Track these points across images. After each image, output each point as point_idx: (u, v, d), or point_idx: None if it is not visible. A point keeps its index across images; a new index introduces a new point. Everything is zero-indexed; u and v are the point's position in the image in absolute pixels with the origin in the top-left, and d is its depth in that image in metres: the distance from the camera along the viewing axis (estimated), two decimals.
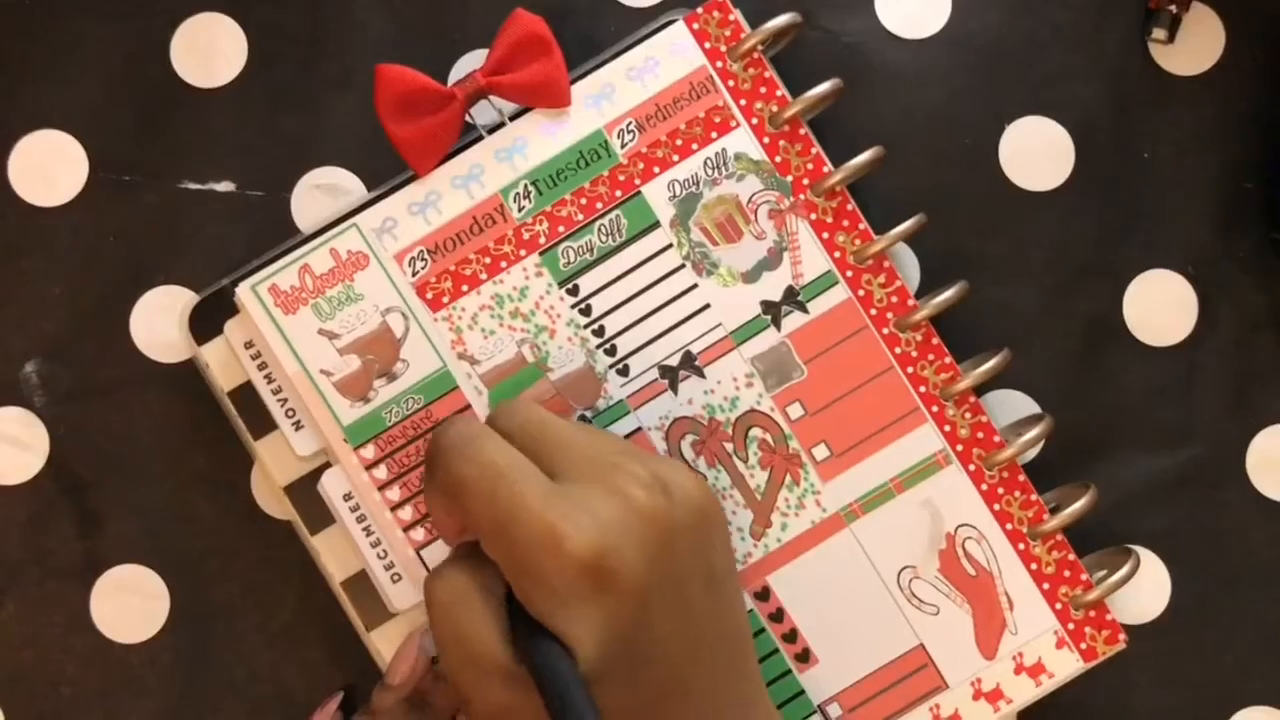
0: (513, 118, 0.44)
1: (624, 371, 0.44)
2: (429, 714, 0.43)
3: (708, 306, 0.44)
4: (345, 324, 0.44)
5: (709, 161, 0.44)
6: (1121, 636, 0.44)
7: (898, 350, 0.44)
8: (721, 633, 0.38)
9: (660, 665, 0.36)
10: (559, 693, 0.34)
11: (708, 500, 0.38)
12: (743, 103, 0.44)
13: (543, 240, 0.44)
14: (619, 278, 0.44)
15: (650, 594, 0.36)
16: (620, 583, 0.35)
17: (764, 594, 0.44)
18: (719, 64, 0.44)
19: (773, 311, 0.44)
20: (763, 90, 0.44)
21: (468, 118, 0.44)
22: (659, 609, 0.36)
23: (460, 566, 0.38)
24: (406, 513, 0.44)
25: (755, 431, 0.44)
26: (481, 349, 0.44)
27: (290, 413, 0.44)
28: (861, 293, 0.44)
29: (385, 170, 0.46)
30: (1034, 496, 0.44)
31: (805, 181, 0.44)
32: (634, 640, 0.36)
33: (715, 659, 0.38)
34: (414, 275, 0.44)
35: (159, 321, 0.47)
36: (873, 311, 0.44)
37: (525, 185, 0.44)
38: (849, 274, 0.44)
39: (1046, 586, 0.44)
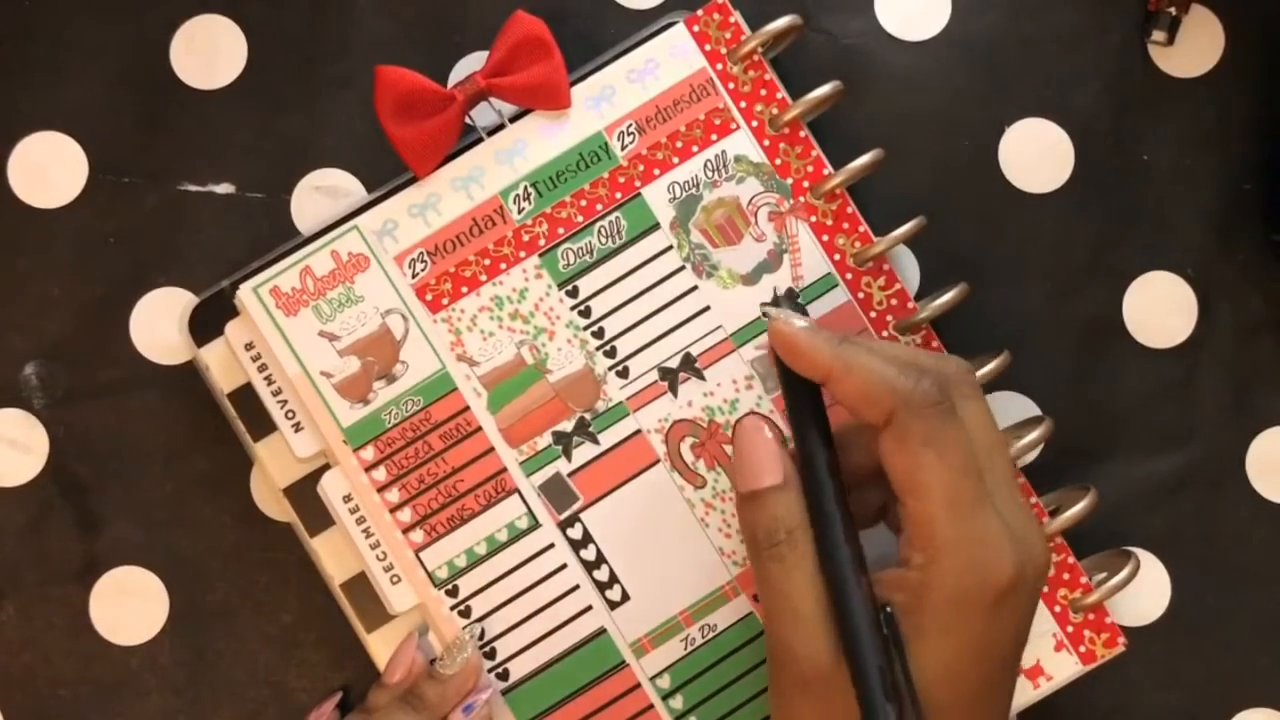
0: (513, 119, 0.44)
1: (624, 373, 0.44)
2: (423, 713, 0.43)
3: (708, 309, 0.44)
4: (345, 326, 0.44)
5: (709, 164, 0.44)
6: (1121, 640, 0.44)
7: None
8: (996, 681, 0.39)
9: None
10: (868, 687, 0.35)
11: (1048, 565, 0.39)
12: (743, 105, 0.44)
13: (542, 242, 0.44)
14: (619, 280, 0.44)
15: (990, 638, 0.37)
16: (1013, 601, 0.36)
17: None
18: (719, 66, 0.44)
19: None
20: (763, 92, 0.44)
21: (468, 119, 0.44)
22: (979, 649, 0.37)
23: (806, 545, 0.38)
24: (406, 515, 0.44)
25: None
26: (481, 351, 0.44)
27: (290, 414, 0.44)
28: (861, 295, 0.44)
29: (385, 172, 0.46)
30: (1034, 499, 0.44)
31: (805, 184, 0.44)
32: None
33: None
34: (414, 277, 0.44)
35: (159, 323, 0.47)
36: (873, 314, 0.44)
37: (525, 187, 0.44)
38: (849, 276, 0.44)
39: (1045, 589, 0.44)
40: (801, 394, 0.39)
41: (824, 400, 0.39)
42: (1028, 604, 0.37)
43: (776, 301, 0.42)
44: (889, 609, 0.36)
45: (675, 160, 0.44)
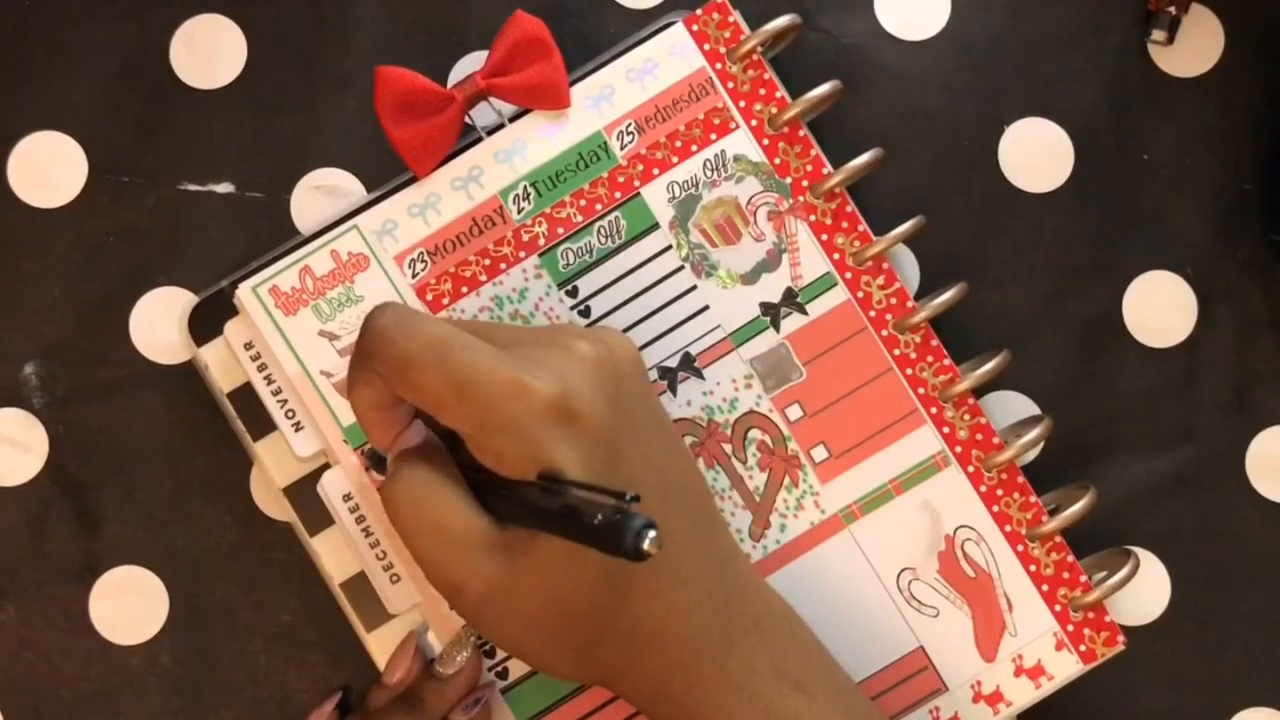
0: (512, 119, 0.44)
1: None
2: (422, 713, 0.43)
3: (707, 308, 0.44)
4: (345, 325, 0.44)
5: (708, 163, 0.44)
6: (1120, 638, 0.44)
7: (897, 352, 0.44)
8: (684, 479, 0.39)
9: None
10: (583, 510, 0.33)
11: (637, 352, 0.39)
12: (742, 104, 0.44)
13: (542, 242, 0.44)
14: (618, 279, 0.44)
15: (616, 435, 0.37)
16: (587, 422, 0.36)
17: None
18: (718, 66, 0.44)
19: (772, 313, 0.44)
20: (762, 92, 0.44)
21: (467, 119, 0.44)
22: (625, 451, 0.37)
23: (412, 463, 0.38)
24: None
25: (754, 433, 0.44)
26: None
27: (290, 414, 0.44)
28: (861, 294, 0.44)
29: (385, 172, 0.46)
30: (1033, 498, 0.44)
31: (804, 183, 0.44)
32: (609, 482, 0.36)
33: (685, 507, 0.39)
34: (414, 277, 0.44)
35: (159, 323, 0.47)
36: (872, 313, 0.44)
37: (525, 187, 0.44)
38: (848, 275, 0.44)
39: (1046, 588, 0.44)
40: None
41: None
42: (605, 392, 0.37)
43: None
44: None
45: (674, 160, 0.44)
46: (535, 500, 0.36)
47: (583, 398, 0.36)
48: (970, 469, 0.44)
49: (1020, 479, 0.44)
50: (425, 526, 0.37)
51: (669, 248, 0.44)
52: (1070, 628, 0.44)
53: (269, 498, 0.46)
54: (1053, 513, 0.44)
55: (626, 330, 0.44)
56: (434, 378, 0.36)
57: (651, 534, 0.32)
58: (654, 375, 0.44)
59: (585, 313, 0.44)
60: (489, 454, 0.37)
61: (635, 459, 0.37)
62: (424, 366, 0.36)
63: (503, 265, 0.44)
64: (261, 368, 0.44)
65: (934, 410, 0.44)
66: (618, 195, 0.44)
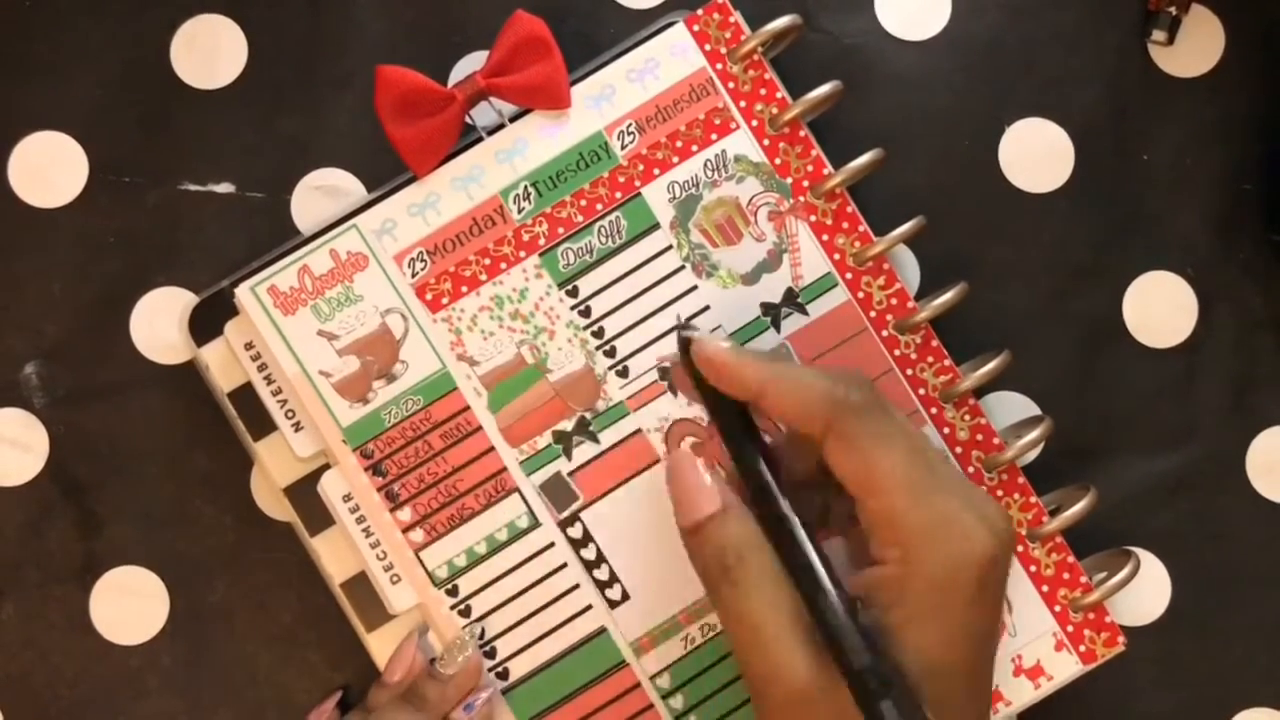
0: (513, 119, 0.44)
1: (624, 373, 0.44)
2: (424, 712, 0.43)
3: (707, 308, 0.44)
4: (344, 325, 0.44)
5: (709, 163, 0.44)
6: (1121, 639, 0.44)
7: (897, 352, 0.44)
8: (986, 666, 0.39)
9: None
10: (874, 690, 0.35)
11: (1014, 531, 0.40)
12: (743, 104, 0.44)
13: (542, 241, 0.44)
14: (619, 279, 0.44)
15: (982, 619, 0.37)
16: (992, 592, 0.37)
17: None
18: (719, 66, 0.44)
19: (772, 313, 0.44)
20: (763, 92, 0.44)
21: (468, 119, 0.44)
22: (975, 628, 0.37)
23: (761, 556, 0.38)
24: (406, 514, 0.44)
25: None
26: (481, 350, 0.44)
27: (290, 414, 0.44)
28: (861, 295, 0.44)
29: (385, 171, 0.46)
30: (1033, 499, 0.44)
31: (805, 183, 0.44)
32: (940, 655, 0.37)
33: (974, 691, 0.38)
34: (413, 276, 0.44)
35: (159, 323, 0.47)
36: (872, 313, 0.44)
37: (525, 186, 0.44)
38: (849, 276, 0.44)
39: (1046, 589, 0.44)
40: (730, 413, 0.40)
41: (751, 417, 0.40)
42: (1004, 578, 0.38)
43: (685, 324, 0.42)
44: (860, 603, 0.37)
45: (675, 160, 0.44)
46: (852, 648, 0.36)
47: (997, 568, 0.37)
48: (971, 469, 0.44)
49: (1021, 479, 0.44)
50: (747, 624, 0.37)
51: (669, 248, 0.44)
52: (1070, 628, 0.44)
53: (269, 498, 0.46)
54: (1053, 513, 0.44)
55: (626, 330, 0.44)
56: (902, 470, 0.36)
57: None
58: (654, 376, 0.44)
59: (585, 313, 0.44)
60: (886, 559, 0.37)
61: (970, 635, 0.37)
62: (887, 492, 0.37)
63: (503, 265, 0.44)
64: (262, 368, 0.44)
65: (935, 410, 0.44)
66: (618, 195, 0.44)
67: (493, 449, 0.44)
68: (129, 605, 0.46)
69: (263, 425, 0.45)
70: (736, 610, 0.37)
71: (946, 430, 0.44)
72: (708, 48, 0.44)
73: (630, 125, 0.44)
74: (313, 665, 0.46)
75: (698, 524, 0.38)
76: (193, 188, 0.47)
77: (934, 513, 0.36)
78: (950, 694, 0.36)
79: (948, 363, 0.44)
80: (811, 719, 0.36)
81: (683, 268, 0.44)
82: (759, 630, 0.36)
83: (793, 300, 0.44)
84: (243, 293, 0.44)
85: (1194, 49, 0.47)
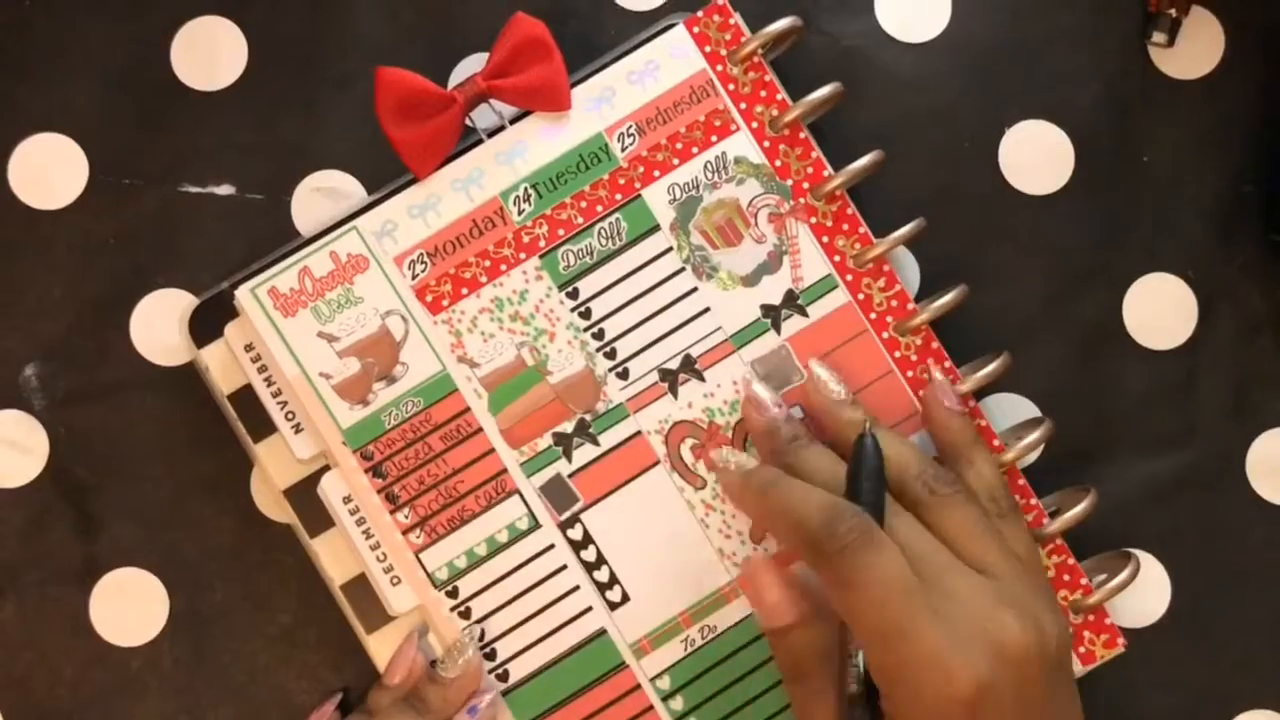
0: (513, 121, 0.44)
1: (624, 375, 0.44)
2: (426, 715, 0.43)
3: (707, 310, 0.44)
4: (345, 327, 0.44)
5: (709, 165, 0.44)
6: (1120, 640, 0.44)
7: (897, 354, 0.44)
8: None
9: None
10: None
11: (1069, 635, 0.41)
12: (743, 106, 0.44)
13: (542, 243, 0.44)
14: (619, 281, 0.44)
15: None
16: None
17: None
18: (719, 67, 0.44)
19: (772, 315, 0.44)
20: (763, 94, 0.44)
21: (468, 121, 0.44)
22: None
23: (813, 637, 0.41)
24: (406, 516, 0.44)
25: None
26: (481, 352, 0.44)
27: (290, 415, 0.44)
28: (861, 296, 0.44)
29: (385, 173, 0.46)
30: (1034, 500, 0.44)
31: (805, 185, 0.44)
32: None
33: None
34: (414, 278, 0.44)
35: (159, 324, 0.47)
36: (872, 315, 0.44)
37: (525, 188, 0.44)
38: (849, 278, 0.44)
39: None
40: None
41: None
42: (1015, 698, 0.37)
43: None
44: None
45: (675, 162, 0.44)
46: None
47: (999, 696, 0.37)
48: None
49: (1021, 481, 0.44)
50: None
51: (670, 249, 0.44)
52: (1070, 630, 0.44)
53: (269, 499, 0.46)
54: (1053, 515, 0.44)
55: (626, 332, 0.44)
56: (869, 611, 0.37)
57: None
58: (655, 378, 0.44)
59: (586, 314, 0.44)
60: (887, 696, 0.38)
61: None
62: (864, 598, 0.37)
63: (503, 267, 0.44)
64: (262, 369, 0.44)
65: None
66: (618, 197, 0.44)
67: (493, 451, 0.44)
68: (129, 606, 0.46)
69: (263, 427, 0.45)
70: (803, 704, 0.41)
71: None
72: (708, 49, 0.44)
73: (630, 127, 0.44)
74: (312, 666, 0.46)
75: (776, 630, 0.41)
76: (193, 189, 0.47)
77: (912, 654, 0.37)
78: None
79: (948, 365, 0.44)
80: None
81: (683, 269, 0.44)
82: None
83: (793, 302, 0.44)
84: (243, 294, 0.44)
85: (1194, 51, 0.47)
